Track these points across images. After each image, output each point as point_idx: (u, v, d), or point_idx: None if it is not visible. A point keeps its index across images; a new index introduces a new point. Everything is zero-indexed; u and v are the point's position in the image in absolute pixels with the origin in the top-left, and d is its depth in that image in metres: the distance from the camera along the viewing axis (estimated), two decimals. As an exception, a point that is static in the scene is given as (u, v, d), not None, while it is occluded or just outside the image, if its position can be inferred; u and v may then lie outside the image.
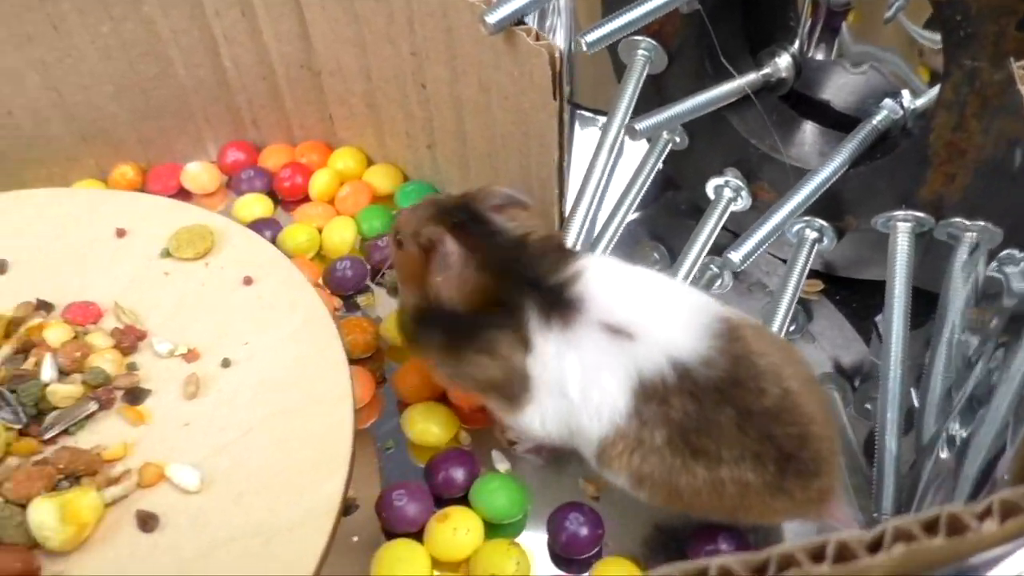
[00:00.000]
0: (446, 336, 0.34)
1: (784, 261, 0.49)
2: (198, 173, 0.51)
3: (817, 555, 0.18)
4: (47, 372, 0.35)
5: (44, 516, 0.30)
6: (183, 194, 0.51)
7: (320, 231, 0.48)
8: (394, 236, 0.36)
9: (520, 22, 0.35)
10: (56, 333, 0.36)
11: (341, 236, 0.47)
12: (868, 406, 0.44)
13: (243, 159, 0.52)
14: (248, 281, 0.40)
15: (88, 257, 0.41)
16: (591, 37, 0.39)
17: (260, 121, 0.52)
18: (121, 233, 0.42)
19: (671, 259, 0.51)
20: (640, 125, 0.41)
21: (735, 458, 0.30)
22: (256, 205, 0.49)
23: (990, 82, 0.35)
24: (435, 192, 0.50)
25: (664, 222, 0.53)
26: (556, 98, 0.35)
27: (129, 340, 0.37)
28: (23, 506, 0.31)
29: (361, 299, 0.46)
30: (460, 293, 0.32)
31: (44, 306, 0.38)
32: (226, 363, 0.37)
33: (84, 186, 0.50)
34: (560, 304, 0.32)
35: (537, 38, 0.35)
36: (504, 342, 0.33)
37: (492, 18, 0.34)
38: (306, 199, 0.51)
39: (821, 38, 0.44)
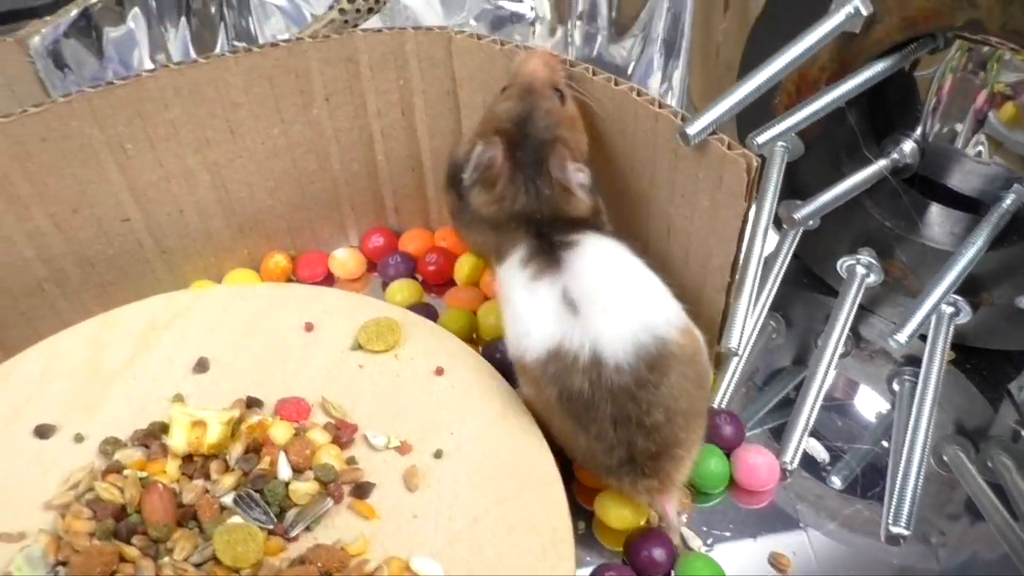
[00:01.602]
0: (459, 203, 0.41)
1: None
2: (345, 260, 0.53)
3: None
4: (284, 471, 0.37)
5: (320, 615, 0.32)
6: (329, 279, 0.54)
7: (475, 314, 0.50)
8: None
9: (713, 132, 0.38)
10: (281, 431, 0.38)
11: (498, 319, 0.49)
12: (989, 464, 0.47)
13: (383, 244, 0.54)
14: (440, 371, 0.42)
15: (283, 352, 0.43)
16: (761, 139, 0.42)
17: (401, 208, 0.54)
18: (309, 327, 0.44)
19: (787, 326, 0.54)
20: (799, 214, 0.44)
21: (594, 435, 0.36)
22: (408, 291, 0.51)
23: None
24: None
25: (782, 293, 0.56)
26: (747, 200, 0.38)
27: (346, 435, 0.39)
28: (293, 605, 0.33)
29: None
30: (481, 197, 0.40)
31: (254, 403, 0.40)
32: (438, 454, 0.39)
33: (238, 275, 0.52)
34: (544, 258, 0.38)
35: (730, 147, 0.38)
36: (488, 236, 0.40)
37: (692, 130, 0.37)
38: (450, 282, 0.53)
39: (949, 124, 0.48)
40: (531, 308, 0.37)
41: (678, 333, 0.37)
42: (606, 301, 0.36)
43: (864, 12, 0.41)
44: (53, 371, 0.41)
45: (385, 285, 0.53)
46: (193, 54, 0.60)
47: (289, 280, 0.53)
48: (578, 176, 0.40)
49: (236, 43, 0.62)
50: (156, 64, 0.58)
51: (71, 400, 0.40)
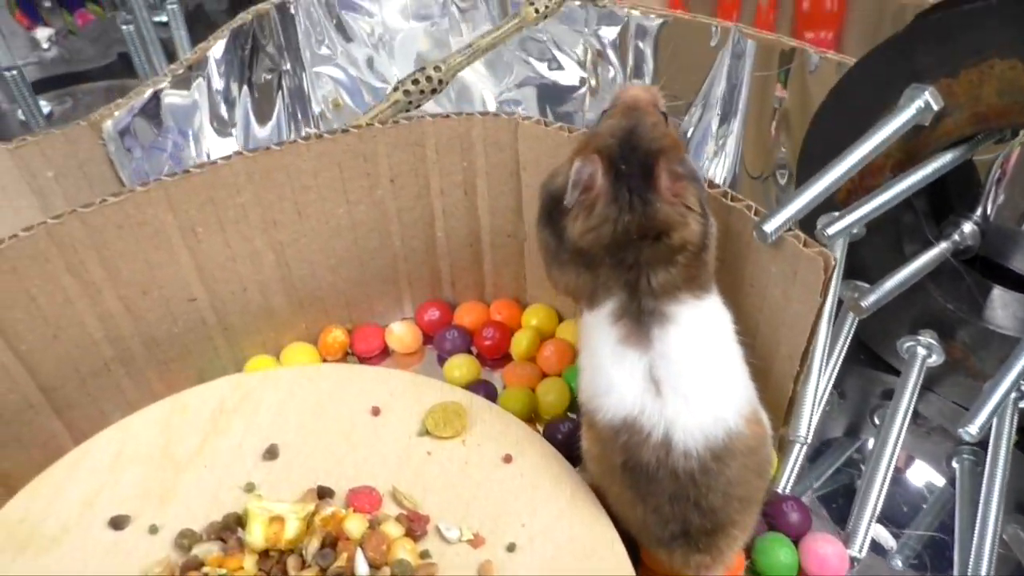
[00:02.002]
0: (554, 241, 0.40)
1: (965, 408, 0.52)
2: (402, 334, 0.53)
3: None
4: (362, 568, 0.37)
5: None
6: (384, 352, 0.54)
7: (533, 391, 0.50)
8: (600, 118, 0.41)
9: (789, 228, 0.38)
10: (355, 525, 0.38)
11: (557, 398, 0.49)
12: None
13: (438, 317, 0.55)
14: (508, 459, 0.42)
15: (351, 437, 0.43)
16: (832, 230, 0.42)
17: (457, 282, 0.54)
18: (376, 411, 0.44)
19: (840, 398, 0.54)
20: (866, 303, 0.44)
21: (652, 508, 0.36)
22: (466, 367, 0.51)
23: None
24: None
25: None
26: (822, 296, 0.38)
27: (420, 527, 0.39)
28: None
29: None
30: (579, 225, 0.37)
31: (326, 493, 0.40)
32: (511, 548, 0.39)
33: (296, 350, 0.52)
34: (634, 322, 0.37)
35: (806, 244, 0.38)
36: (583, 277, 0.38)
37: (770, 227, 0.38)
38: (506, 356, 0.53)
39: (1014, 202, 0.48)
40: (615, 373, 0.37)
41: (747, 424, 0.37)
42: (688, 389, 0.36)
43: (935, 107, 0.41)
44: (126, 457, 0.41)
45: (441, 358, 0.53)
46: (254, 123, 0.60)
47: (346, 353, 0.54)
48: (693, 171, 0.36)
49: (302, 122, 0.63)
50: (214, 129, 0.59)
51: (144, 488, 0.40)
